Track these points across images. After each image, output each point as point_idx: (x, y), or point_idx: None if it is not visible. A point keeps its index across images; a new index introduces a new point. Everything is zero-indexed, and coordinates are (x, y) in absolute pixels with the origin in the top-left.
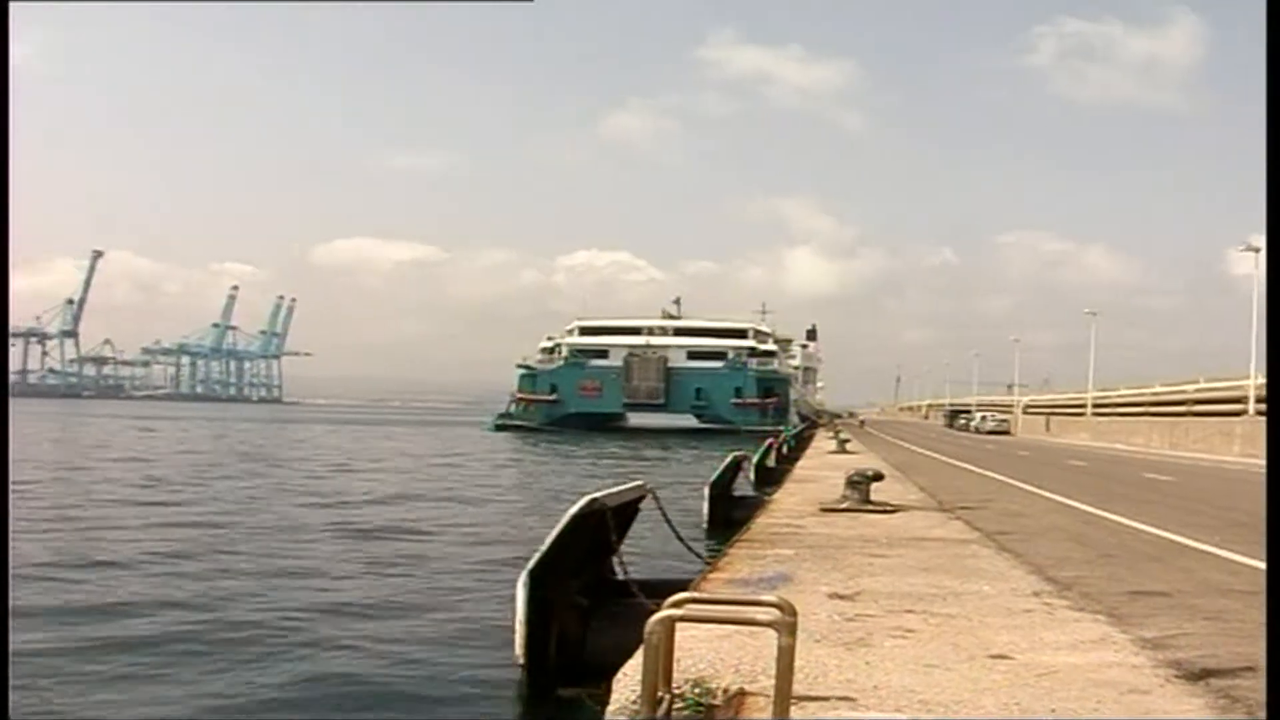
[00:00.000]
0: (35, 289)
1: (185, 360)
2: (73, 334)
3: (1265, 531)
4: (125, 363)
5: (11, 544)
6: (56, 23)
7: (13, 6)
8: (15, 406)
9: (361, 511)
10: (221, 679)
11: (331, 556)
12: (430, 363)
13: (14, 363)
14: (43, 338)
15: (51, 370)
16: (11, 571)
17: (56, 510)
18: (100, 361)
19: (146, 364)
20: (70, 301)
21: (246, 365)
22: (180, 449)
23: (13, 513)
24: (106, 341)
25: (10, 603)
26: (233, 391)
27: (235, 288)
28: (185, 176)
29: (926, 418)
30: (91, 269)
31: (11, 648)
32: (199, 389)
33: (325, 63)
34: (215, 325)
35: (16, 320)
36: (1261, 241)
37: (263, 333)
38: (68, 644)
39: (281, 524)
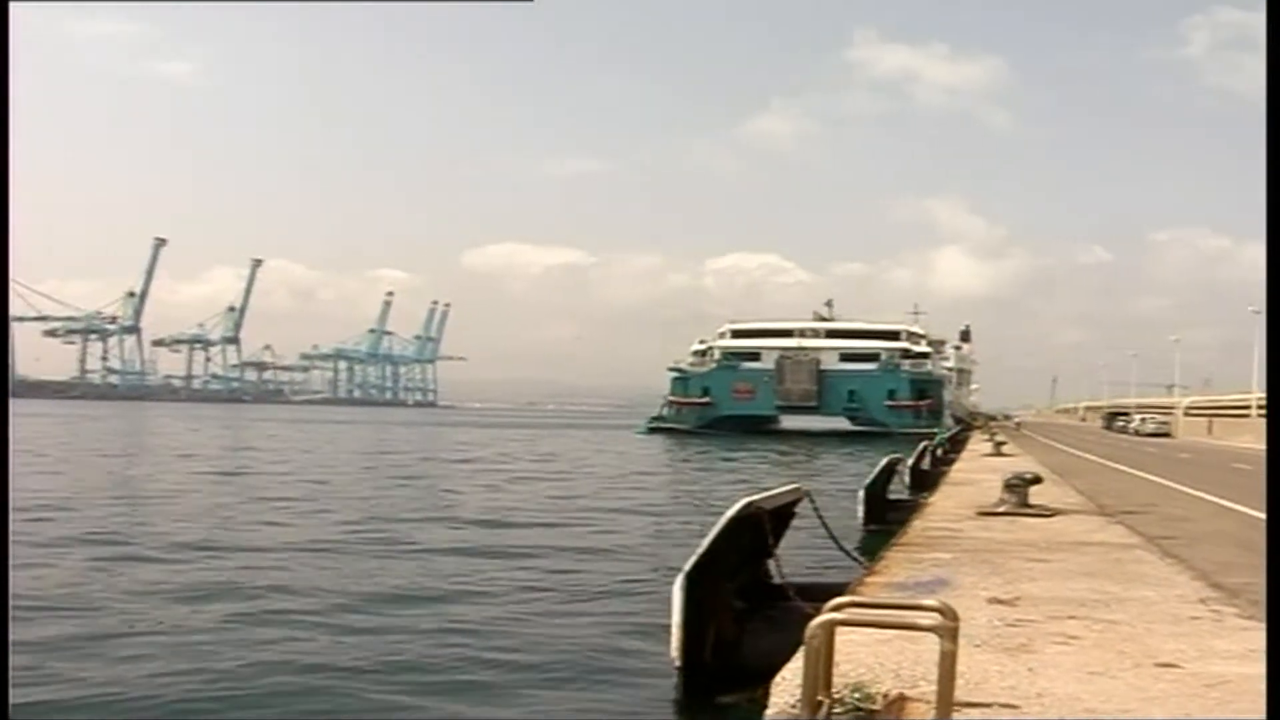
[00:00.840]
0: (198, 297)
1: (342, 365)
2: (234, 340)
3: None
4: (284, 368)
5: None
6: (217, 38)
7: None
8: (182, 410)
9: (518, 514)
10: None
11: (487, 551)
12: (581, 366)
13: (179, 368)
14: (206, 344)
15: (214, 375)
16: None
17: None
18: (261, 367)
19: (305, 369)
20: (232, 309)
21: (402, 370)
22: (342, 452)
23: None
24: (267, 347)
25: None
26: (389, 396)
27: (390, 293)
28: (339, 184)
29: (1083, 420)
30: (252, 277)
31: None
32: (356, 393)
33: (478, 69)
34: (371, 330)
35: (181, 327)
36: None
37: (418, 338)
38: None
39: (442, 516)
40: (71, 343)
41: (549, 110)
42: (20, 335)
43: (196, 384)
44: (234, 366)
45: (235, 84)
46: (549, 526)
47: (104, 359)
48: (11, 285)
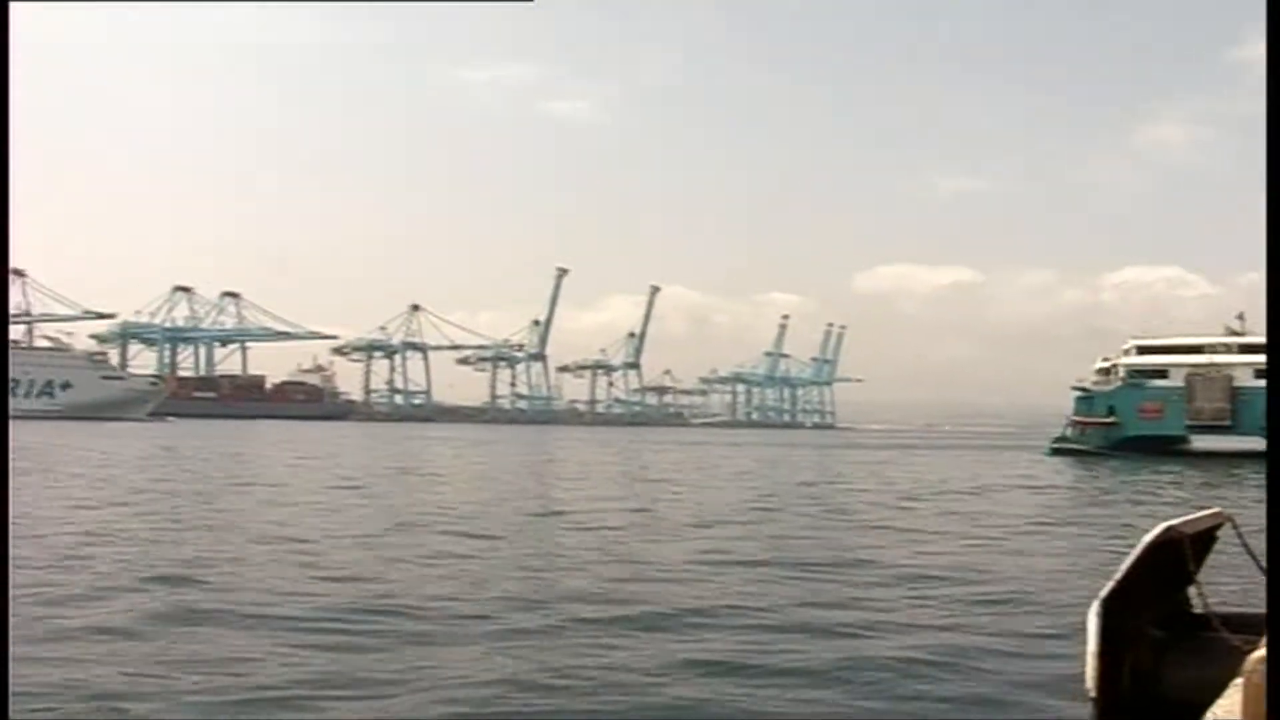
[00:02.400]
0: (597, 325)
1: (740, 388)
2: (635, 366)
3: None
4: (684, 391)
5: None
6: (608, 77)
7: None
8: (589, 434)
9: (925, 533)
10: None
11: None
12: (977, 385)
13: (583, 393)
14: (608, 369)
15: (617, 400)
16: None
17: None
18: (661, 391)
19: (704, 392)
20: (631, 335)
21: (799, 392)
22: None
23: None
24: (666, 372)
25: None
26: (786, 418)
27: (786, 317)
28: (729, 212)
29: None
30: (650, 304)
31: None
32: (754, 416)
33: (857, 90)
34: (768, 354)
35: (583, 354)
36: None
37: (814, 360)
38: None
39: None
40: (482, 370)
41: (931, 128)
42: (436, 363)
43: (600, 408)
44: (635, 391)
45: (623, 121)
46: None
47: (513, 385)
48: (424, 316)
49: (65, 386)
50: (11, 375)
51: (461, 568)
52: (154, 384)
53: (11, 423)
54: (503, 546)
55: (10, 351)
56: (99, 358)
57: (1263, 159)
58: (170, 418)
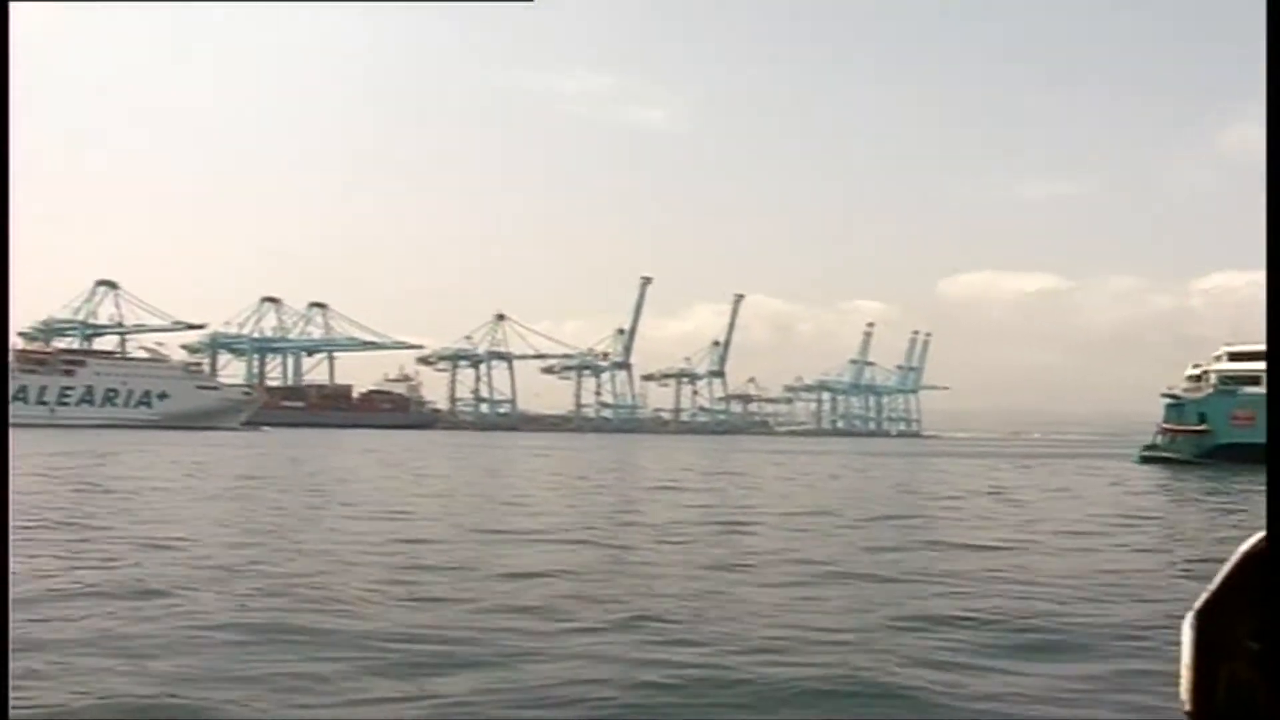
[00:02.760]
0: (681, 333)
1: (825, 396)
2: (720, 374)
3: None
4: (769, 400)
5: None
6: (688, 86)
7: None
8: (676, 442)
9: (1023, 544)
10: None
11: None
12: (1063, 392)
13: (668, 402)
14: (693, 378)
15: (702, 409)
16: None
17: None
18: (746, 399)
19: (789, 400)
20: (716, 343)
21: (885, 400)
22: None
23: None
24: (751, 380)
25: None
26: (872, 426)
27: (870, 324)
28: (812, 219)
29: None
30: (734, 312)
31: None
32: (839, 424)
33: (939, 93)
34: (853, 361)
35: (667, 362)
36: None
37: (899, 367)
38: None
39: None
40: (567, 379)
41: (1010, 132)
42: (520, 372)
43: (684, 417)
44: (720, 399)
45: (706, 128)
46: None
47: (597, 394)
48: (509, 325)
49: (162, 396)
50: (110, 385)
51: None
52: (247, 394)
53: (117, 431)
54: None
55: (109, 361)
56: (194, 368)
57: None
58: (265, 427)
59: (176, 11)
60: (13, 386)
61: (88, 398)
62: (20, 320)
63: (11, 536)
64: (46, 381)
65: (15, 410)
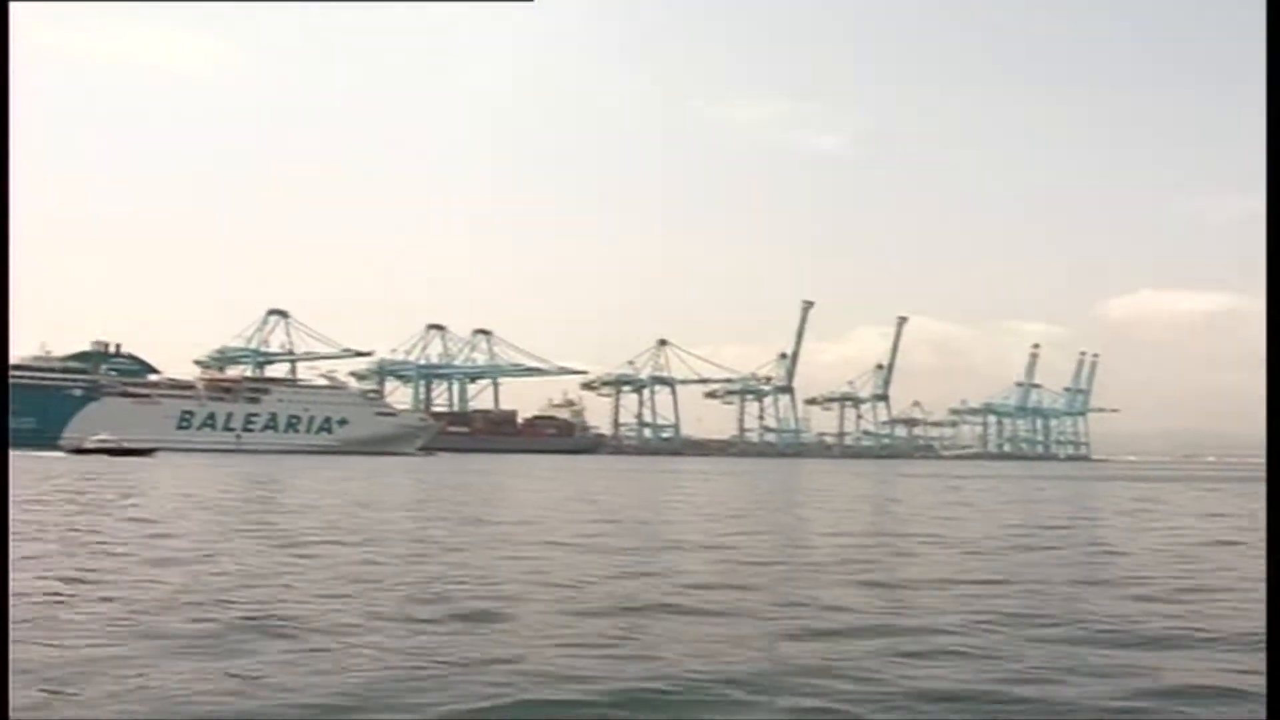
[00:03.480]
0: (843, 357)
1: (991, 419)
2: (884, 398)
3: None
4: (934, 423)
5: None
6: (859, 112)
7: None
8: (841, 466)
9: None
10: None
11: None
12: (1240, 415)
13: (831, 425)
14: (856, 402)
15: (866, 432)
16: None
17: None
18: (910, 423)
19: (954, 424)
20: (879, 366)
21: (1053, 423)
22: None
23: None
24: (915, 403)
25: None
26: (1039, 449)
27: (1036, 346)
28: (974, 240)
29: None
30: (898, 335)
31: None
32: (1005, 447)
33: (1098, 111)
34: (1019, 383)
35: (829, 386)
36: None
37: (1067, 390)
38: None
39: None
40: (730, 403)
41: (1187, 152)
42: (684, 397)
43: (848, 440)
44: (884, 423)
45: (866, 153)
46: None
47: (760, 418)
48: (671, 351)
49: (342, 422)
50: (292, 412)
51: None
52: (424, 420)
53: (300, 456)
54: None
55: (291, 389)
56: (373, 395)
57: None
58: (439, 452)
59: (355, 29)
60: (201, 413)
61: (271, 424)
62: (195, 349)
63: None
64: (233, 409)
65: (205, 436)
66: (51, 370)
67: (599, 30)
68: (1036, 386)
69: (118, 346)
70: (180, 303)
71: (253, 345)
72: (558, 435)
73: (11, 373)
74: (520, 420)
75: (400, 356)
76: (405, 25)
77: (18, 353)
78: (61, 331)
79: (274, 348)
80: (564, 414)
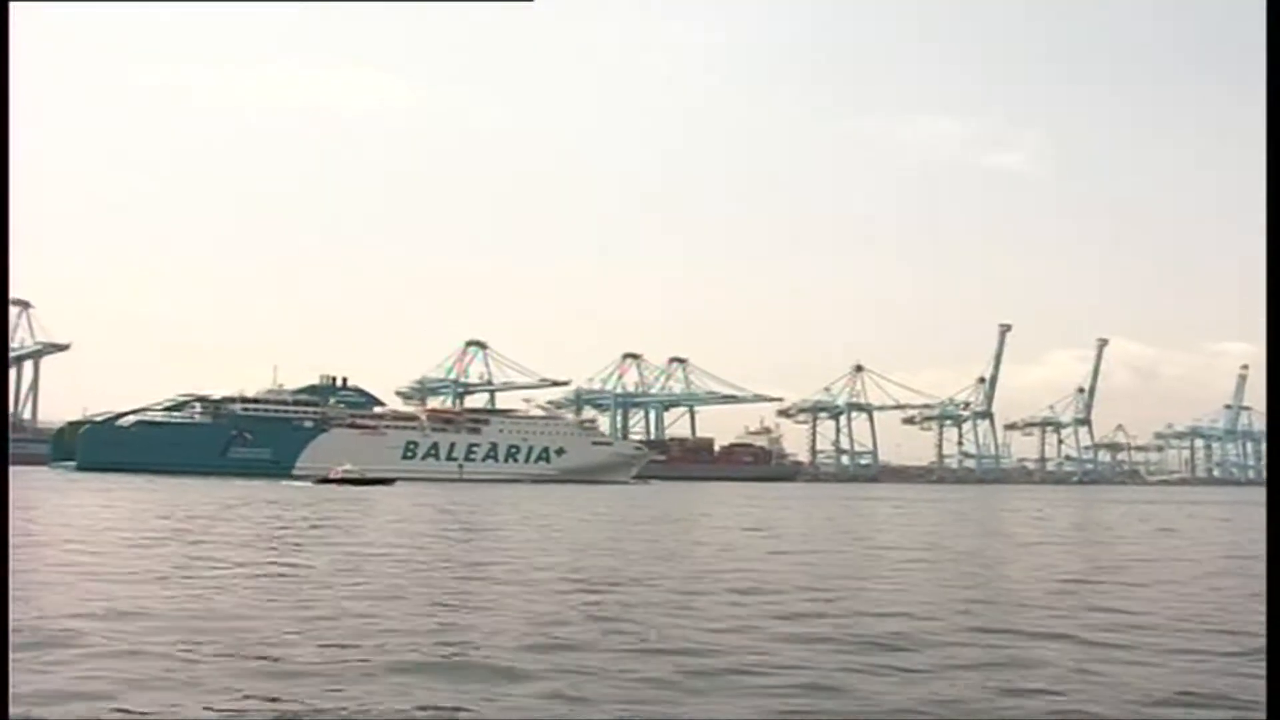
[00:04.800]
0: (1039, 380)
1: (1199, 443)
2: (1085, 422)
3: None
4: (1138, 448)
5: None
6: (1048, 127)
7: (14, 7)
8: (1039, 493)
9: None
10: None
11: None
12: None
13: (1031, 451)
14: (1057, 426)
15: (1068, 458)
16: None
17: None
18: (1114, 448)
19: (1160, 448)
20: (1080, 390)
21: (1264, 447)
22: None
23: None
24: (1119, 427)
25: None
26: (1251, 474)
27: (1245, 367)
28: (1168, 258)
29: None
30: (1098, 358)
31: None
32: (1215, 472)
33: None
34: (1227, 406)
35: (1026, 411)
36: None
37: None
38: None
39: None
40: (928, 429)
41: None
42: (881, 424)
43: (1050, 466)
44: (1086, 448)
45: (1057, 170)
46: None
47: (959, 444)
48: (867, 376)
49: (560, 452)
50: (512, 442)
51: None
52: (638, 449)
53: (523, 485)
54: None
55: (510, 419)
56: (589, 425)
57: None
58: (652, 480)
59: (527, 56)
60: (425, 444)
61: (492, 454)
62: (396, 380)
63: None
64: (455, 439)
65: (428, 465)
66: (284, 403)
67: (760, 49)
68: (1246, 409)
69: (344, 380)
70: (380, 333)
71: (451, 375)
72: (754, 463)
73: (247, 405)
74: (717, 448)
75: (596, 385)
76: (578, 51)
77: (251, 386)
78: (262, 363)
79: (473, 378)
80: (760, 441)
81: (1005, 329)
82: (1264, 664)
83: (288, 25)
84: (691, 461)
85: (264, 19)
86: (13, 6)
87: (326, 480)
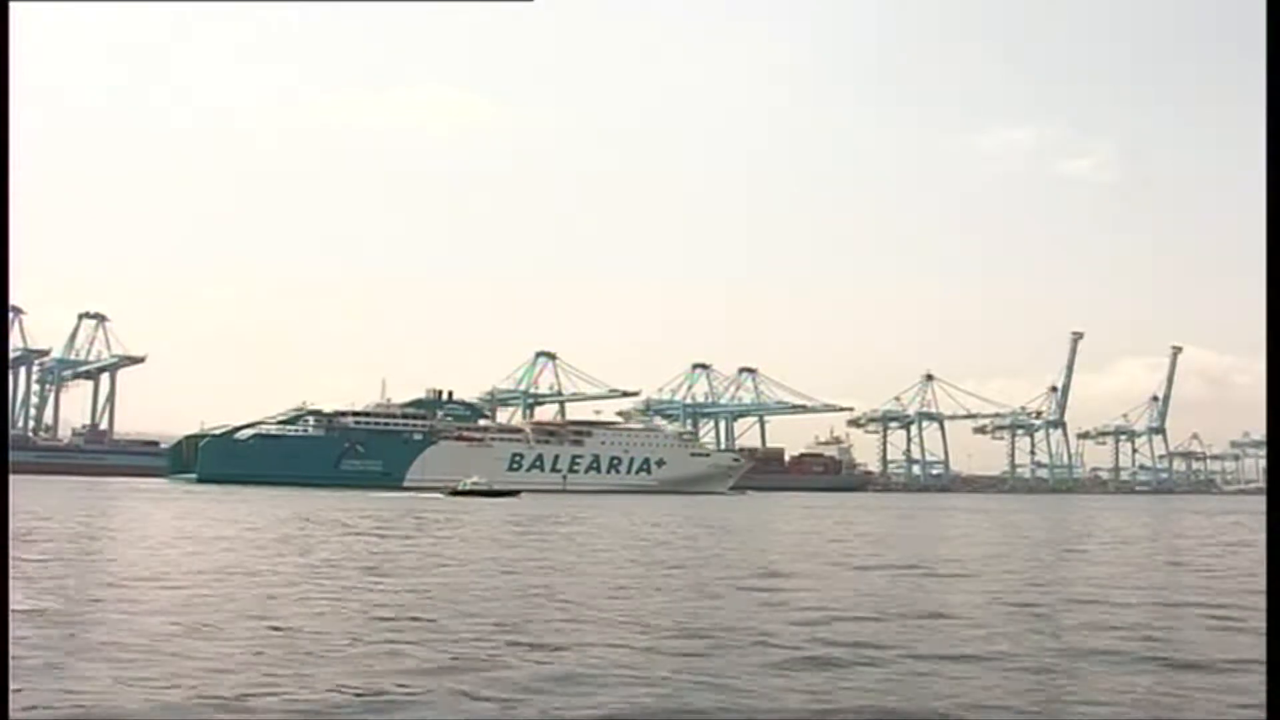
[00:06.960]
0: (1111, 389)
1: None
2: (1160, 431)
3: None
4: (1214, 457)
5: None
6: (1115, 131)
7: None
8: (1113, 503)
9: None
10: None
11: None
12: None
13: (1104, 460)
14: (1131, 435)
15: (1142, 467)
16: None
17: None
18: (1189, 457)
19: (1236, 457)
20: (1155, 399)
21: None
22: None
23: None
24: (1194, 436)
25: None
26: None
27: None
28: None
29: None
30: (1172, 366)
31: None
32: None
33: None
34: None
35: (1097, 420)
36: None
37: None
38: None
39: None
40: (1000, 439)
41: None
42: (952, 433)
43: (1124, 475)
44: (1161, 457)
45: (1131, 176)
46: None
47: (1031, 453)
48: (937, 386)
49: (660, 463)
50: (613, 454)
51: None
52: (736, 460)
53: (624, 496)
54: None
55: (610, 431)
56: (687, 436)
57: None
58: (750, 491)
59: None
60: (530, 455)
61: (595, 465)
62: (467, 390)
63: None
64: (559, 450)
65: (534, 477)
66: (393, 416)
67: (829, 60)
68: None
69: (449, 393)
70: (452, 345)
71: (522, 386)
72: (824, 473)
73: (359, 418)
74: (787, 458)
75: (666, 395)
76: (645, 56)
77: (360, 400)
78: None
79: (543, 389)
80: (831, 451)
81: (1077, 337)
82: None
83: (361, 47)
84: (762, 471)
85: (341, 46)
86: (39, 7)
87: (457, 492)
